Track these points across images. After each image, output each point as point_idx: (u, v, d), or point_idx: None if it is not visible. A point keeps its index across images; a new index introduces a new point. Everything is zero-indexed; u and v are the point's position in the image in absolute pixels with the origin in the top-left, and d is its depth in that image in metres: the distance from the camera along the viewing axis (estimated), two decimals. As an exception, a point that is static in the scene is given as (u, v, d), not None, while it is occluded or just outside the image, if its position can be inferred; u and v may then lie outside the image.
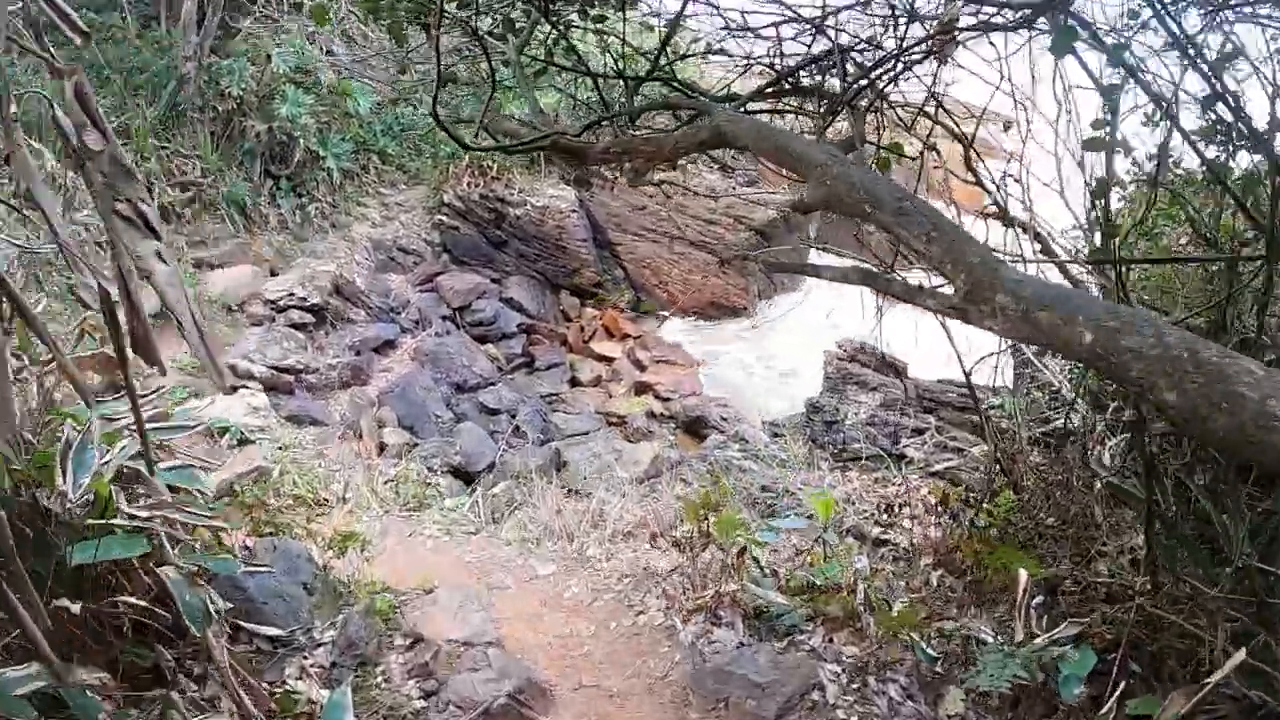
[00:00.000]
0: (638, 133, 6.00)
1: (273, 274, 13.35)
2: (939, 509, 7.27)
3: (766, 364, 15.83)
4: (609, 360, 15.39)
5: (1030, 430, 9.42)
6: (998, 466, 6.74)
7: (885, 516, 8.72)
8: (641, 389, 14.71)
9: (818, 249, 18.74)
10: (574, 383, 14.83)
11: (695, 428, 13.54)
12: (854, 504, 8.81)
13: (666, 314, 16.82)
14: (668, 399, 14.45)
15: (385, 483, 7.93)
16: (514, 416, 12.85)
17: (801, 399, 14.71)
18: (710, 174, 16.43)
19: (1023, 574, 4.48)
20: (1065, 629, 4.19)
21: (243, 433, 8.93)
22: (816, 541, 6.53)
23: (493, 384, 13.36)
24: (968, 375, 7.05)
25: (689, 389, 14.72)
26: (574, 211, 15.92)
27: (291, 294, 12.74)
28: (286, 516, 6.38)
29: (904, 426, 10.35)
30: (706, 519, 6.08)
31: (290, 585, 5.06)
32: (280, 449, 8.72)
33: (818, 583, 5.66)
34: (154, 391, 6.01)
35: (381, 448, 11.16)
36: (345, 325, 13.03)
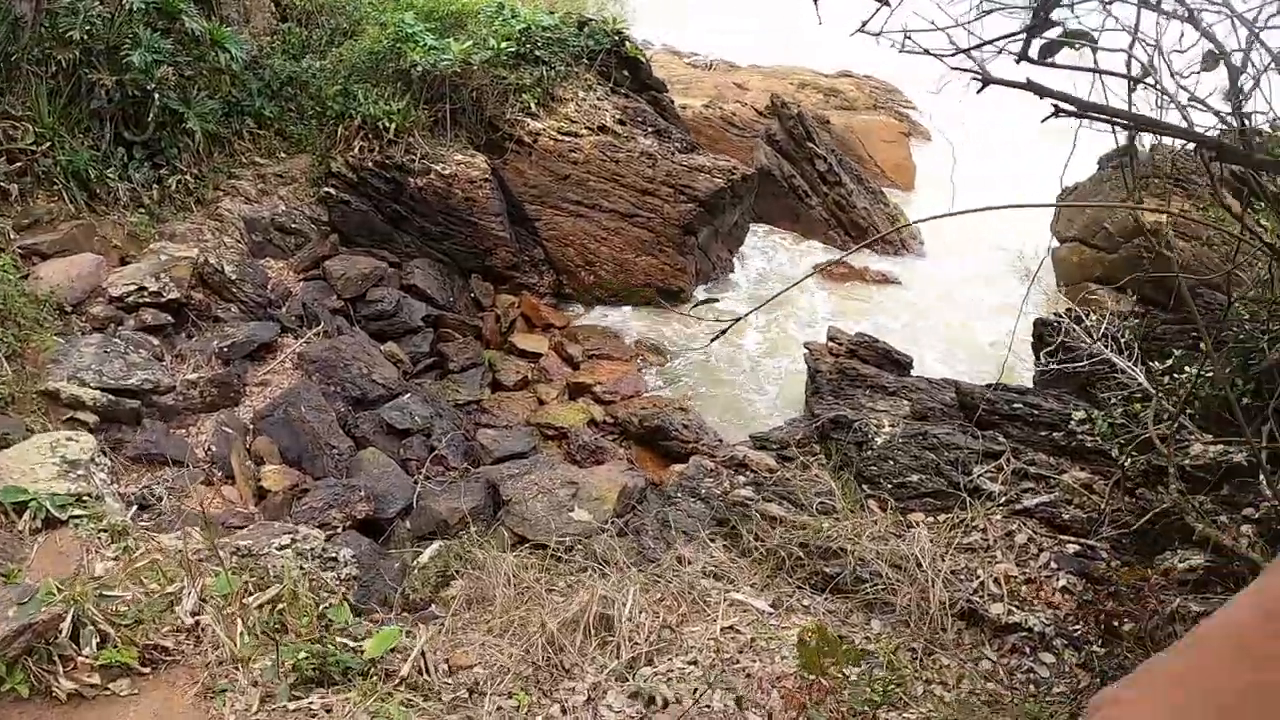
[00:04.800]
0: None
1: (123, 263, 10.17)
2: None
3: (718, 357, 13.12)
4: (534, 357, 12.55)
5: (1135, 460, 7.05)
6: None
7: (995, 585, 6.31)
8: (577, 390, 11.96)
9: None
10: (496, 386, 11.94)
11: (654, 440, 10.88)
12: (938, 566, 6.25)
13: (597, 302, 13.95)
14: (609, 401, 11.69)
15: (260, 606, 4.87)
16: (429, 436, 9.90)
17: (771, 400, 12.18)
18: (645, 138, 13.52)
19: None
20: None
21: (48, 509, 5.82)
22: None
23: (398, 394, 10.33)
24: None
25: (632, 389, 11.98)
26: (486, 181, 12.91)
27: (143, 288, 9.63)
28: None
29: (966, 449, 7.76)
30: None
31: None
32: (102, 532, 5.60)
33: None
34: None
35: (261, 494, 8.11)
36: (212, 326, 9.86)
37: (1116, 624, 5.66)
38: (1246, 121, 4.28)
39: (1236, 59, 3.92)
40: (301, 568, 6.34)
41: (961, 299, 15.21)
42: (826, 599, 6.62)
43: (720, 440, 10.93)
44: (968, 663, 5.83)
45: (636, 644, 5.37)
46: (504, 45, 12.48)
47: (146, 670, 4.15)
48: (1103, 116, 3.46)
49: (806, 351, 11.29)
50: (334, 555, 6.82)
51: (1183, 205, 14.15)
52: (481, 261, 13.30)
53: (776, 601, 6.59)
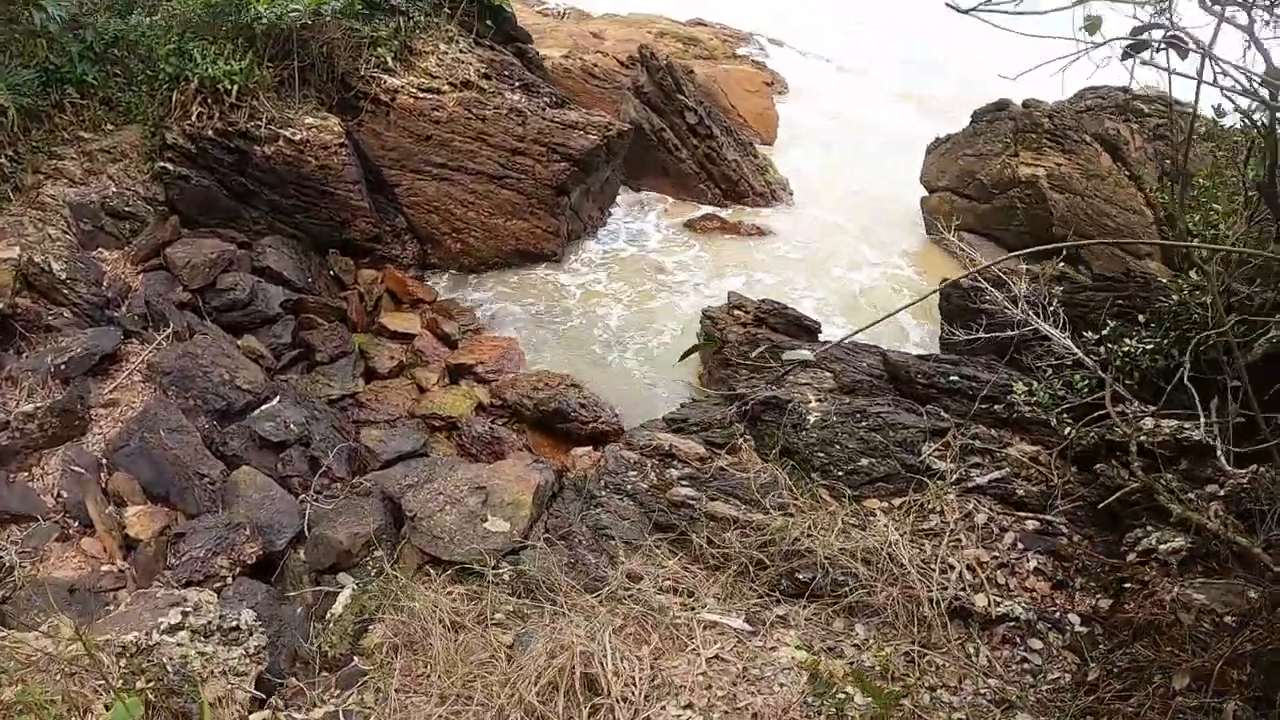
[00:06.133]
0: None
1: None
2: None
3: (597, 323, 12.34)
4: (407, 338, 11.48)
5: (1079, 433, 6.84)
6: None
7: (970, 573, 6.16)
8: (458, 372, 11.06)
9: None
10: (370, 375, 10.82)
11: (551, 424, 10.07)
12: (911, 559, 6.21)
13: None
14: (492, 381, 10.76)
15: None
16: (308, 446, 8.82)
17: (647, 372, 11.48)
18: (512, 93, 12.41)
19: None
20: None
21: None
22: None
23: (266, 399, 9.14)
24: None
25: (515, 365, 11.11)
26: (342, 146, 11.58)
27: (-46, 300, 8.01)
28: None
29: (914, 428, 7.47)
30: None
31: None
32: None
33: None
34: None
35: (128, 547, 6.88)
36: (43, 337, 8.43)
37: (1126, 619, 5.46)
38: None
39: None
40: (201, 653, 5.33)
41: (835, 250, 14.89)
42: (803, 606, 6.19)
43: (617, 416, 10.26)
44: (963, 659, 5.59)
45: (631, 701, 4.66)
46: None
47: None
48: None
49: (708, 320, 10.64)
50: (234, 623, 5.79)
51: (1057, 161, 14.22)
52: (339, 235, 12.03)
53: (751, 617, 6.14)
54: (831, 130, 19.85)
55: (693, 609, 6.22)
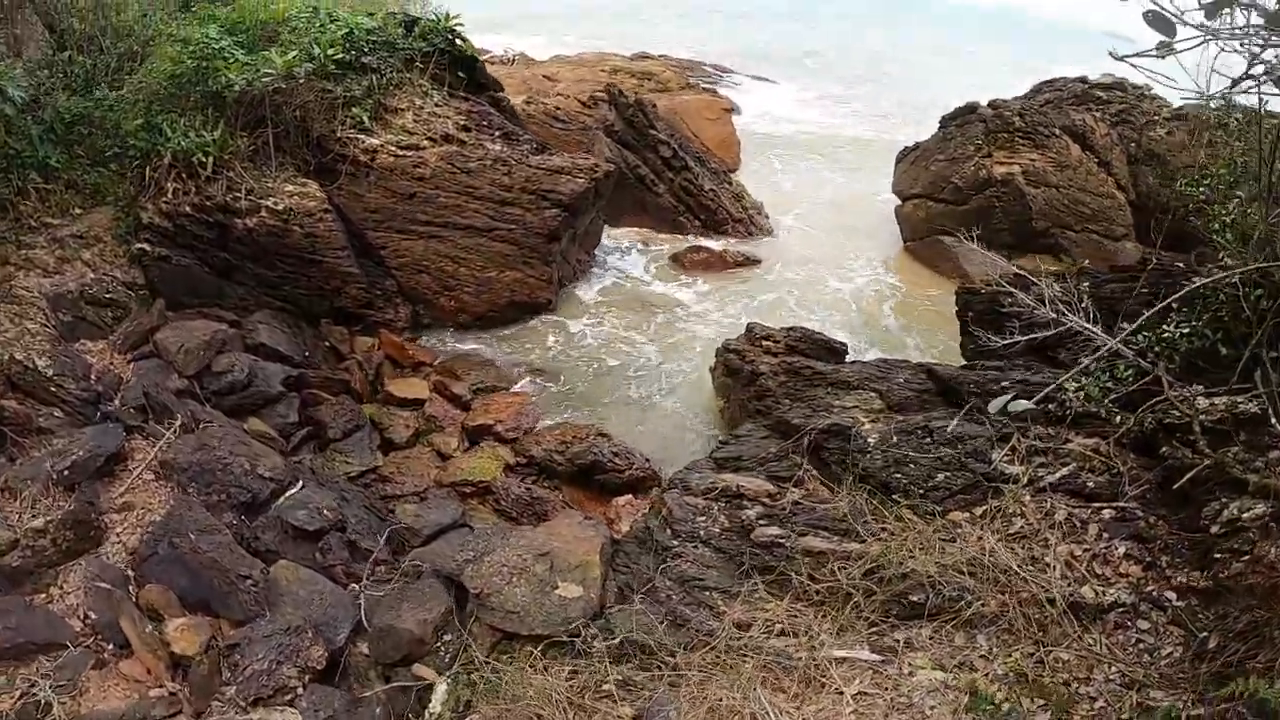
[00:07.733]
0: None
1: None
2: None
3: (606, 368, 11.58)
4: (417, 404, 10.56)
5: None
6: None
7: (1068, 569, 6.11)
8: (477, 434, 10.23)
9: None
10: (387, 446, 9.88)
11: (587, 477, 9.39)
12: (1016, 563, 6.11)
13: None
14: (513, 440, 9.92)
15: None
16: (344, 531, 7.85)
17: (677, 410, 10.73)
18: (494, 143, 11.66)
19: None
20: None
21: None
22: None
23: (289, 485, 8.14)
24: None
25: (532, 420, 10.31)
26: (326, 212, 10.73)
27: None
28: None
29: (980, 437, 7.26)
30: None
31: None
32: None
33: None
34: None
35: (176, 663, 5.86)
36: (36, 440, 7.39)
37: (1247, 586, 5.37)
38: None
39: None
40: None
41: (820, 268, 14.47)
42: (921, 627, 5.99)
43: (649, 461, 9.53)
44: (1084, 650, 5.52)
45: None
46: (329, 52, 10.22)
47: None
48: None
49: (731, 354, 9.91)
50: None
51: (1030, 157, 13.93)
52: (330, 303, 11.13)
53: (874, 646, 5.89)
54: (794, 149, 19.57)
55: (813, 648, 5.87)
